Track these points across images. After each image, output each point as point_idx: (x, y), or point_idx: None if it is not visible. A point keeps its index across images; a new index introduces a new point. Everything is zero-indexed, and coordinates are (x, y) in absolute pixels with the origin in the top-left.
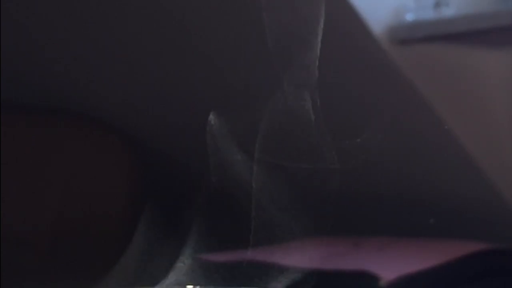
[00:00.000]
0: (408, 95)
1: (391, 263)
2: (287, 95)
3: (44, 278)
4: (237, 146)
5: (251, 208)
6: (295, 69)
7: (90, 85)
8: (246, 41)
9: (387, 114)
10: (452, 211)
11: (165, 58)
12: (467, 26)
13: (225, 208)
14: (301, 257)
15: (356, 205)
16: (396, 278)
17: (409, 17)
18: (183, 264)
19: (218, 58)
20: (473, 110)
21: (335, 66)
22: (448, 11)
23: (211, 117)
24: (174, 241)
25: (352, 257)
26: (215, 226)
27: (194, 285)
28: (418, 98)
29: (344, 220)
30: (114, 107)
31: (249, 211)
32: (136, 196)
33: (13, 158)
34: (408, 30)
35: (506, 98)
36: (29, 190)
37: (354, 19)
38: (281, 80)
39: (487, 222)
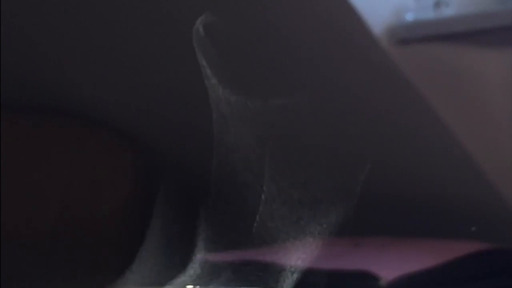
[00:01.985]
0: (408, 95)
1: (391, 263)
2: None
3: (44, 278)
4: (246, 148)
5: (256, 207)
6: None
7: (90, 85)
8: (247, 40)
9: (386, 114)
10: (452, 211)
11: (165, 58)
12: (467, 26)
13: (230, 207)
14: (301, 257)
15: (356, 205)
16: (396, 278)
17: (409, 17)
18: (192, 264)
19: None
20: (473, 110)
21: (335, 66)
22: (448, 11)
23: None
24: (183, 241)
25: (352, 257)
26: (221, 226)
27: (195, 285)
28: (418, 98)
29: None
30: (114, 107)
31: (253, 211)
32: (137, 196)
33: (13, 158)
34: (408, 30)
35: (506, 98)
36: (29, 190)
37: (354, 19)
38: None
39: (487, 222)
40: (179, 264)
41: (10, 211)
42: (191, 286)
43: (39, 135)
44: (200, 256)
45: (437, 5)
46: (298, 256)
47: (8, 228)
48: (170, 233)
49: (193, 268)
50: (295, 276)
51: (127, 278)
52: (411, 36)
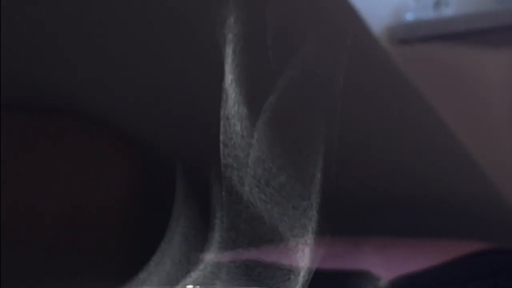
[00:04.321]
0: (408, 95)
1: (391, 263)
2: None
3: (44, 277)
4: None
5: (257, 206)
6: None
7: (90, 85)
8: (248, 41)
9: (386, 113)
10: (452, 211)
11: (166, 58)
12: (467, 26)
13: (232, 207)
14: (301, 257)
15: (356, 205)
16: (396, 278)
17: (409, 16)
18: (197, 265)
19: (219, 57)
20: (473, 110)
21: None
22: (448, 11)
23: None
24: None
25: (352, 257)
26: (224, 226)
27: (195, 285)
28: (418, 97)
29: (344, 220)
30: (114, 107)
31: (254, 210)
32: (136, 195)
33: (13, 158)
34: (408, 30)
35: (506, 98)
36: (29, 190)
37: (354, 19)
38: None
39: (487, 222)
40: (192, 264)
41: (10, 211)
42: (191, 286)
43: (39, 135)
44: (204, 256)
45: (437, 5)
46: (299, 256)
47: (8, 228)
48: (187, 234)
49: (197, 268)
50: (298, 276)
51: (141, 279)
52: (411, 36)
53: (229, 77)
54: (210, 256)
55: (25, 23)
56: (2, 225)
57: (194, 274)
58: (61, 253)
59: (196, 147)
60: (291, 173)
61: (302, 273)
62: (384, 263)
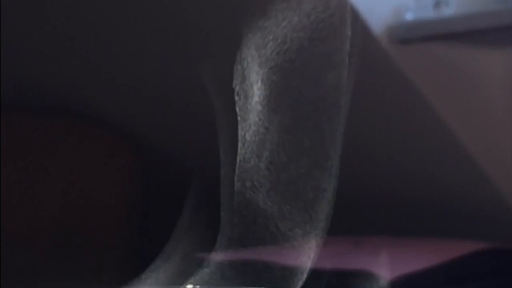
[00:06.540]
0: (408, 95)
1: (391, 263)
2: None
3: (44, 278)
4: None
5: (260, 207)
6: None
7: (91, 85)
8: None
9: (386, 113)
10: (452, 210)
11: (166, 58)
12: (467, 26)
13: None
14: (301, 257)
15: (356, 205)
16: (396, 278)
17: (409, 16)
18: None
19: (219, 58)
20: (473, 110)
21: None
22: (448, 11)
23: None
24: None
25: (352, 257)
26: (226, 226)
27: (195, 284)
28: (418, 97)
29: (344, 220)
30: (114, 107)
31: (256, 210)
32: (136, 195)
33: (13, 158)
34: (408, 29)
35: (506, 98)
36: (29, 190)
37: (354, 19)
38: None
39: (487, 222)
40: (196, 264)
41: (10, 211)
42: (191, 286)
43: (39, 135)
44: (208, 256)
45: (437, 5)
46: (300, 256)
47: (8, 228)
48: (194, 235)
49: (200, 268)
50: (298, 275)
51: (145, 278)
52: (411, 36)
53: (254, 78)
54: (213, 256)
55: (25, 23)
56: (2, 225)
57: (197, 274)
58: (61, 253)
59: (196, 147)
60: (296, 174)
61: (302, 273)
62: (384, 263)
